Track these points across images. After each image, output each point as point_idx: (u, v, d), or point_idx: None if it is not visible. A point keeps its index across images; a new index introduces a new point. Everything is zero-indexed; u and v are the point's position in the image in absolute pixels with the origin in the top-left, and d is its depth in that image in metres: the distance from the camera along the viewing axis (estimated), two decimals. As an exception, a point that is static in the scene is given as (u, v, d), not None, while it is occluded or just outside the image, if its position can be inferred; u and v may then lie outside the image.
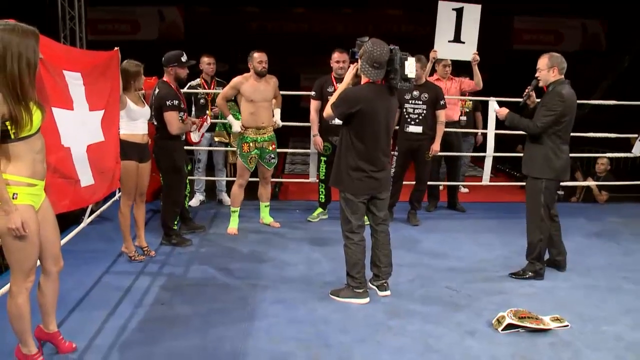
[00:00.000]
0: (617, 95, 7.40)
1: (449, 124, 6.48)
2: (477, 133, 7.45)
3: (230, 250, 5.08)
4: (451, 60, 6.51)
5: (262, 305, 3.94)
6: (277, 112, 5.68)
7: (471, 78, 6.45)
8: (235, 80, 5.38)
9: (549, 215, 4.49)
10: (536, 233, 4.47)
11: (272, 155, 5.59)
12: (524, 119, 4.44)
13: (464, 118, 7.04)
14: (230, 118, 5.43)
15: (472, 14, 6.12)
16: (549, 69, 4.37)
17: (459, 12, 6.09)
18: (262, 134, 5.45)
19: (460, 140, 6.76)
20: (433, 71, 6.55)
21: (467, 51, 6.17)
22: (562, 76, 4.38)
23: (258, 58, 5.31)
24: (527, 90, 4.59)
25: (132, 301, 3.93)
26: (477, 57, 6.16)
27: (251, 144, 5.42)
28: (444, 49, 6.18)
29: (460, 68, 6.64)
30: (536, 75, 4.47)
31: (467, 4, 6.12)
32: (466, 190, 7.68)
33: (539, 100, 4.59)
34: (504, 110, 4.61)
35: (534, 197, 4.47)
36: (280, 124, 5.70)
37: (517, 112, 4.59)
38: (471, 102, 7.13)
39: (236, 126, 5.42)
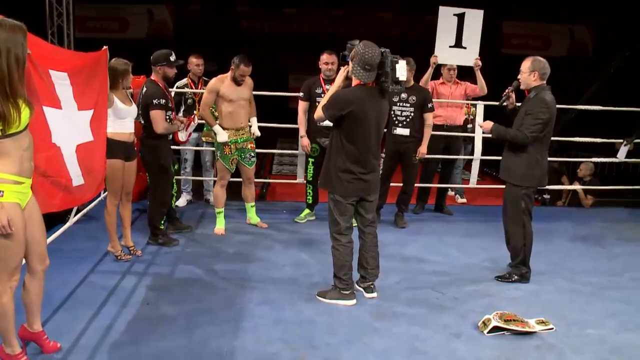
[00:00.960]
0: (603, 101, 7.44)
1: (452, 127, 6.52)
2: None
3: (217, 251, 5.06)
4: (457, 65, 6.50)
5: (248, 305, 3.93)
6: (254, 121, 5.67)
7: (474, 83, 6.48)
8: (212, 85, 5.35)
9: (530, 219, 4.52)
10: (519, 238, 4.50)
11: (252, 154, 5.58)
12: (510, 129, 4.42)
13: (470, 126, 7.00)
14: (217, 127, 5.37)
15: (474, 20, 6.15)
16: (530, 72, 4.37)
17: (460, 18, 6.12)
18: (241, 135, 5.44)
19: (461, 144, 6.78)
20: (438, 75, 6.57)
21: (469, 56, 6.20)
22: (544, 82, 4.38)
23: (242, 71, 5.28)
24: (507, 91, 4.60)
25: (118, 301, 3.91)
26: (479, 62, 6.19)
27: (232, 146, 5.41)
28: (445, 54, 6.21)
29: (462, 73, 6.66)
30: (518, 77, 4.48)
31: (469, 9, 6.15)
32: (463, 200, 7.53)
33: (518, 104, 4.63)
34: (489, 124, 4.59)
35: (514, 203, 4.49)
36: (259, 133, 5.68)
37: (498, 113, 4.62)
38: (475, 109, 6.99)
39: (222, 136, 5.35)
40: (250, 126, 5.61)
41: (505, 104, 4.67)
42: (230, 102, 5.33)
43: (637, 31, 12.33)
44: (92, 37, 13.63)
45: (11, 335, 2.91)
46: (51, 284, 3.58)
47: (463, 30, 6.14)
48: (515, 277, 4.55)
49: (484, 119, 6.18)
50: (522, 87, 4.48)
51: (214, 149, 6.42)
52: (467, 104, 6.86)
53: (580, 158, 8.09)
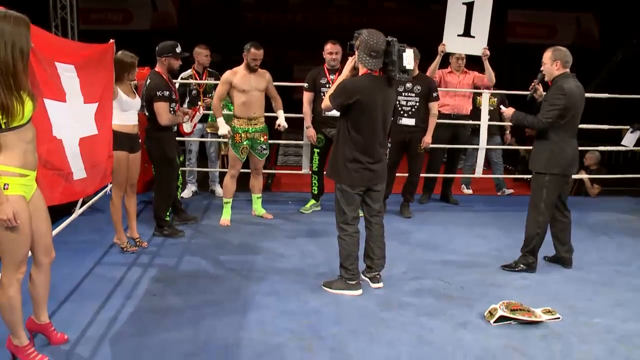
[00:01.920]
0: (610, 89, 7.39)
1: (459, 116, 6.49)
2: (504, 132, 7.37)
3: (222, 242, 5.07)
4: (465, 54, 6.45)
5: (254, 296, 3.93)
6: (281, 114, 5.66)
7: (481, 72, 6.44)
8: (226, 76, 5.36)
9: (551, 210, 4.49)
10: (534, 226, 4.49)
11: (264, 147, 5.57)
12: (529, 115, 4.43)
13: (487, 116, 6.85)
14: (220, 120, 5.38)
15: (484, 8, 6.10)
16: (552, 62, 4.38)
17: (470, 6, 6.07)
18: (253, 125, 5.43)
19: (468, 134, 6.74)
20: (446, 64, 6.53)
21: (477, 46, 6.16)
22: (567, 70, 4.38)
23: (254, 55, 5.28)
24: (533, 84, 4.60)
25: (124, 292, 3.92)
26: (488, 52, 6.14)
27: (242, 135, 5.41)
28: (453, 42, 6.17)
29: (469, 62, 6.61)
30: (541, 69, 4.48)
31: None
32: (510, 190, 7.42)
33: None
34: (510, 110, 4.63)
35: (536, 191, 4.48)
36: (285, 125, 5.66)
37: (527, 106, 4.60)
38: (495, 99, 6.96)
39: (223, 129, 5.36)
40: (276, 118, 5.62)
41: (534, 96, 4.65)
42: (243, 92, 5.33)
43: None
44: (96, 29, 13.59)
45: (19, 327, 2.92)
46: (57, 276, 3.59)
47: (472, 19, 6.09)
48: (522, 266, 4.54)
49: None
50: (546, 78, 4.48)
51: (219, 140, 6.43)
52: (489, 94, 6.79)
53: (586, 147, 8.04)
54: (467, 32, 6.12)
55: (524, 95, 4.81)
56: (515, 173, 7.59)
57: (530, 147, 6.82)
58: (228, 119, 5.52)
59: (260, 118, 5.49)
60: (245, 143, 5.43)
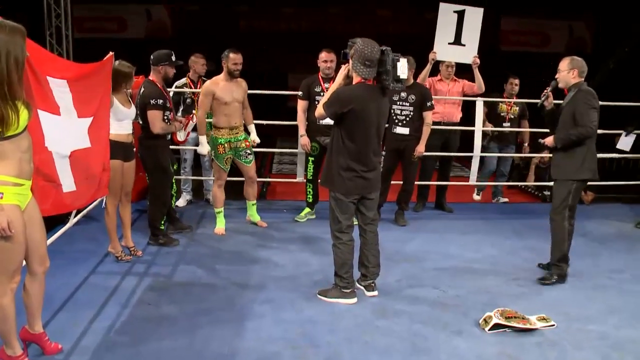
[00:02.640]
0: (603, 97, 7.43)
1: (448, 124, 6.51)
2: (522, 144, 7.24)
3: (217, 251, 5.06)
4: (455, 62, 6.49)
5: (249, 305, 3.93)
6: (253, 129, 5.67)
7: (471, 80, 6.47)
8: (207, 87, 5.32)
9: (573, 217, 4.54)
10: (562, 233, 4.49)
11: (248, 152, 5.55)
12: (571, 131, 4.37)
13: (507, 124, 6.88)
14: (202, 139, 5.40)
15: (474, 17, 6.13)
16: (569, 70, 4.42)
17: (460, 15, 6.11)
18: (235, 134, 5.42)
19: (458, 141, 6.75)
20: (436, 72, 6.56)
21: (468, 54, 6.19)
22: (582, 79, 4.44)
23: (234, 59, 5.26)
24: (545, 91, 4.62)
25: (119, 301, 3.91)
26: (478, 60, 6.18)
27: (225, 145, 5.40)
28: (444, 50, 6.19)
29: (460, 70, 6.65)
30: (556, 76, 4.51)
31: (469, 6, 6.13)
32: (505, 199, 7.40)
33: (556, 102, 4.64)
34: (550, 138, 4.53)
35: (562, 198, 4.47)
36: (258, 140, 5.68)
37: (539, 112, 4.68)
38: (517, 108, 6.92)
39: (203, 149, 5.41)
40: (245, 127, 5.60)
41: (544, 104, 4.66)
42: (225, 104, 5.31)
43: (635, 26, 12.33)
44: (91, 37, 13.60)
45: (12, 337, 2.91)
46: (52, 285, 3.58)
47: (463, 27, 6.12)
48: (555, 277, 4.51)
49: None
50: (560, 85, 4.51)
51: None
52: (509, 102, 6.82)
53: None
54: (457, 41, 6.15)
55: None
56: (509, 180, 7.60)
57: (526, 155, 6.80)
58: (208, 129, 5.51)
59: (240, 127, 5.48)
60: (229, 153, 5.43)
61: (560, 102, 4.59)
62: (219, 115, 5.36)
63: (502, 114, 6.88)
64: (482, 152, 6.84)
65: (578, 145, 4.39)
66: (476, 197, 7.42)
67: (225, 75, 5.32)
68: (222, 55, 5.31)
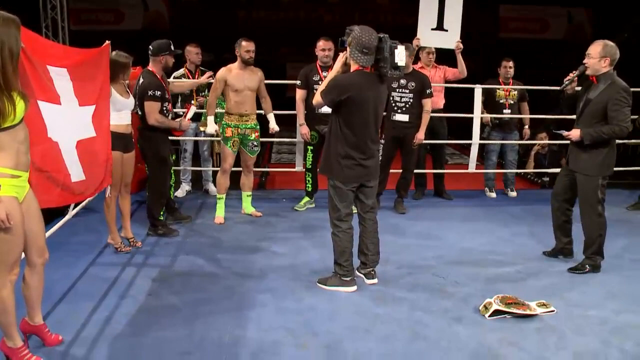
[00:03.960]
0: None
1: (433, 111, 6.47)
2: (523, 126, 7.02)
3: (217, 240, 5.07)
4: (435, 48, 6.45)
5: (249, 294, 3.93)
6: (272, 117, 5.69)
7: (454, 66, 6.44)
8: (221, 73, 5.39)
9: (604, 209, 4.44)
10: (595, 229, 4.42)
11: (255, 143, 5.57)
12: (603, 128, 4.17)
13: (507, 111, 6.71)
14: (210, 119, 5.43)
15: (455, 2, 6.11)
16: (600, 58, 4.18)
17: (442, 0, 6.08)
18: (244, 121, 5.45)
19: (445, 127, 6.72)
20: (417, 59, 6.53)
21: (451, 39, 6.16)
22: (612, 68, 4.21)
23: (246, 47, 5.33)
24: (571, 75, 4.41)
25: (119, 292, 3.91)
26: (461, 45, 6.16)
27: (233, 130, 5.43)
28: (427, 36, 6.17)
29: (444, 56, 6.61)
30: (584, 61, 4.27)
31: None
32: (514, 193, 7.03)
33: (578, 88, 4.48)
34: (576, 132, 4.31)
35: (591, 194, 4.36)
36: (277, 128, 5.68)
37: (557, 96, 4.50)
38: (516, 93, 6.74)
39: (210, 128, 5.44)
40: (260, 118, 5.63)
41: (567, 88, 4.49)
42: (236, 91, 5.37)
43: (634, 13, 12.29)
44: (87, 29, 13.57)
45: (12, 329, 2.90)
46: (52, 277, 3.59)
47: (444, 13, 6.09)
48: (588, 267, 4.45)
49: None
50: (589, 72, 4.26)
51: (212, 138, 6.43)
52: (506, 89, 6.68)
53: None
54: (440, 26, 6.12)
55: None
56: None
57: (529, 142, 6.63)
58: (220, 116, 5.52)
59: (252, 115, 5.50)
60: (236, 137, 5.45)
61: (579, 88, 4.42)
62: (230, 101, 5.43)
63: (500, 101, 6.69)
64: (484, 142, 6.81)
65: (604, 143, 4.25)
66: (491, 195, 7.00)
67: (239, 63, 5.40)
68: (235, 44, 5.38)
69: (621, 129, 4.14)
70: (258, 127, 5.59)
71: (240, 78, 5.37)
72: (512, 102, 6.74)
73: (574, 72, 4.39)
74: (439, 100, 6.59)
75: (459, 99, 7.14)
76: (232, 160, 5.55)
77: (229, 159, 5.53)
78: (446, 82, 6.61)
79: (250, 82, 5.41)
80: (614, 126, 4.15)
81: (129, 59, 4.49)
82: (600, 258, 4.49)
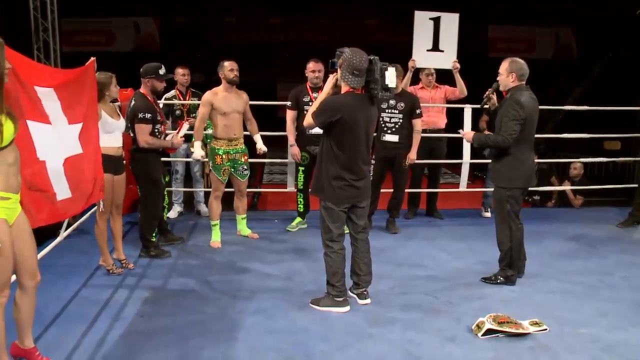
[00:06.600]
0: (589, 102, 7.50)
1: (433, 130, 6.52)
2: None
3: (209, 262, 5.05)
4: (435, 69, 6.49)
5: (241, 316, 3.92)
6: (258, 138, 5.67)
7: (453, 86, 6.49)
8: (206, 97, 5.34)
9: (517, 221, 4.51)
10: (505, 241, 4.51)
11: (245, 167, 5.56)
12: (491, 135, 4.47)
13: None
14: (197, 144, 5.36)
15: (450, 23, 6.17)
16: (508, 74, 4.41)
17: (437, 21, 6.15)
18: (234, 146, 5.43)
19: (444, 148, 6.76)
20: (417, 80, 6.59)
21: (447, 59, 6.22)
22: (522, 83, 4.40)
23: (229, 66, 5.29)
24: (487, 93, 4.64)
25: (111, 314, 3.89)
26: (458, 65, 6.21)
27: (223, 156, 5.40)
28: (423, 57, 6.22)
29: (442, 76, 6.66)
30: (497, 79, 4.50)
31: (445, 13, 6.18)
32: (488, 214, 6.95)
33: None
34: (470, 133, 4.71)
35: (499, 205, 4.52)
36: (265, 149, 5.65)
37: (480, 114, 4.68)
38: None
39: (197, 154, 5.38)
40: (245, 140, 5.61)
41: (486, 105, 4.71)
42: (224, 115, 5.32)
43: (619, 32, 12.48)
44: (79, 51, 13.56)
45: (2, 353, 2.87)
46: (43, 300, 3.56)
47: (440, 33, 6.16)
48: (500, 279, 4.55)
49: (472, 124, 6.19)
50: (500, 88, 4.50)
51: (201, 159, 6.42)
52: (471, 108, 6.73)
53: (569, 159, 8.13)
54: (435, 47, 6.19)
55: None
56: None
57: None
58: (208, 140, 5.50)
59: (240, 139, 5.49)
60: (227, 164, 5.42)
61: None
62: (218, 125, 5.37)
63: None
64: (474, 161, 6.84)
65: (504, 154, 4.41)
66: (486, 215, 7.01)
67: (224, 85, 5.34)
68: (218, 68, 5.33)
69: (503, 140, 4.31)
70: (247, 150, 5.59)
71: (227, 101, 5.31)
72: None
73: (490, 89, 4.63)
74: (439, 120, 6.64)
75: (449, 119, 7.18)
76: (223, 187, 5.53)
77: (221, 187, 5.51)
78: (447, 102, 6.65)
79: (237, 105, 5.37)
80: (498, 136, 4.36)
81: (111, 77, 4.46)
82: (512, 271, 4.56)
